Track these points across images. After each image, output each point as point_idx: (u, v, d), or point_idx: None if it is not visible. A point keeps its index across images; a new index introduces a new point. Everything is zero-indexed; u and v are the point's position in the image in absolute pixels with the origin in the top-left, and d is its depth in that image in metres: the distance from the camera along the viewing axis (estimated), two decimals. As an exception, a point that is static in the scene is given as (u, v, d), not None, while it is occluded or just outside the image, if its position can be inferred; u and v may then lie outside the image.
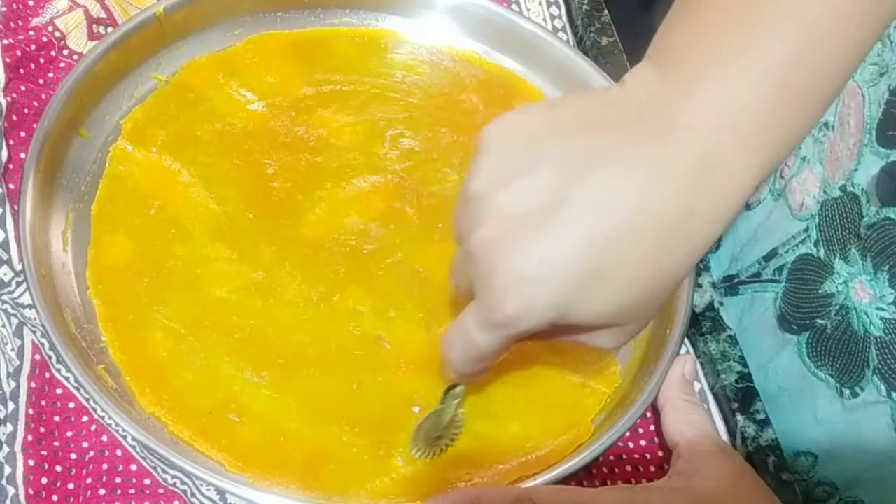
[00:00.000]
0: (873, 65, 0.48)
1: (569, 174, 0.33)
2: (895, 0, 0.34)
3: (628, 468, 0.50)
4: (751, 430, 0.51)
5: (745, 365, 0.53)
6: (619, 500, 0.42)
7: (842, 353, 0.49)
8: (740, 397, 0.51)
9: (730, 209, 0.34)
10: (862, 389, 0.47)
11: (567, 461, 0.46)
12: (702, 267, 0.56)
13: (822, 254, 0.50)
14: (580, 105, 0.36)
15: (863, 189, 0.47)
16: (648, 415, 0.51)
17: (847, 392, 0.48)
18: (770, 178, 0.37)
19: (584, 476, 0.49)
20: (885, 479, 0.48)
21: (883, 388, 0.46)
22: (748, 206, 0.58)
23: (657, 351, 0.50)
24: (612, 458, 0.50)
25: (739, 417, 0.51)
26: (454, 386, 0.45)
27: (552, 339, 0.39)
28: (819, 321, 0.50)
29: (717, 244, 0.60)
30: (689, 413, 0.48)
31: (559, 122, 0.35)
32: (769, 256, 0.55)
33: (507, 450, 0.48)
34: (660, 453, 0.51)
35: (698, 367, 0.53)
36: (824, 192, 0.50)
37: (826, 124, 0.51)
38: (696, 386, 0.52)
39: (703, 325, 0.54)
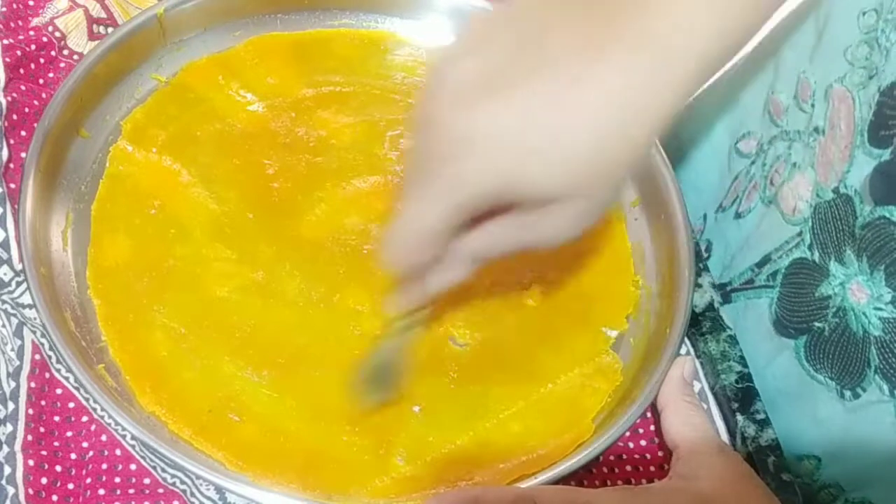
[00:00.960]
0: (862, 68, 0.48)
1: (523, 44, 0.34)
2: None
3: (628, 468, 0.50)
4: (751, 430, 0.51)
5: (745, 365, 0.53)
6: (619, 501, 0.42)
7: (841, 354, 0.49)
8: (740, 397, 0.51)
9: (684, 85, 0.35)
10: (864, 390, 0.47)
11: (567, 460, 0.46)
12: (702, 267, 0.56)
13: (816, 257, 0.50)
14: None
15: (856, 190, 0.47)
16: (648, 415, 0.51)
17: (848, 393, 0.48)
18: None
19: (585, 475, 0.49)
20: (891, 477, 0.48)
21: (886, 387, 0.46)
22: (738, 215, 0.59)
23: (657, 350, 0.50)
24: (612, 458, 0.50)
25: (739, 417, 0.51)
26: (395, 322, 0.44)
27: (505, 246, 0.39)
28: (816, 324, 0.50)
29: (708, 253, 0.60)
30: (689, 414, 0.48)
31: (519, 7, 0.36)
32: (762, 263, 0.55)
33: (508, 449, 0.48)
34: (660, 453, 0.51)
35: (698, 366, 0.53)
36: (817, 195, 0.50)
37: (816, 129, 0.51)
38: (696, 386, 0.52)
39: (703, 325, 0.54)
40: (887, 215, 0.45)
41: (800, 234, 0.52)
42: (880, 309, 0.46)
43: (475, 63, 0.34)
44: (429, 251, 0.38)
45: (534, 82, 0.34)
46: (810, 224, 0.51)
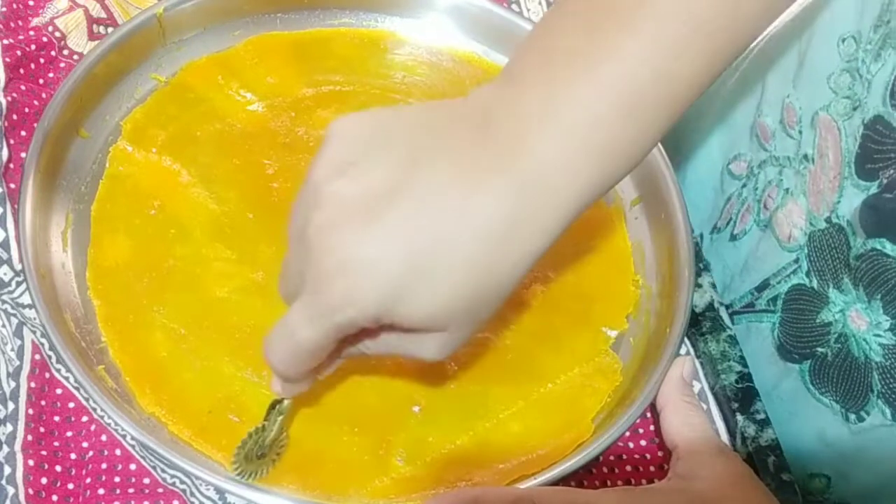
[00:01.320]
0: (846, 98, 0.48)
1: (404, 168, 0.34)
2: (743, 27, 0.37)
3: (628, 468, 0.50)
4: (751, 430, 0.51)
5: (744, 365, 0.53)
6: (618, 501, 0.42)
7: (844, 379, 0.49)
8: (740, 397, 0.51)
9: (557, 223, 0.35)
10: (868, 414, 0.47)
11: (567, 460, 0.46)
12: (702, 267, 0.56)
13: (815, 284, 0.50)
14: (428, 109, 0.37)
15: (847, 221, 0.47)
16: (648, 415, 0.51)
17: (853, 417, 0.48)
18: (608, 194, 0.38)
19: (585, 476, 0.49)
20: None
21: (888, 412, 0.46)
22: (734, 237, 0.59)
23: (657, 350, 0.50)
24: (612, 458, 0.50)
25: (739, 417, 0.51)
26: (280, 401, 0.44)
27: (378, 350, 0.39)
28: (819, 349, 0.50)
29: (707, 272, 0.60)
30: (689, 415, 0.48)
31: (403, 121, 0.36)
32: (761, 287, 0.55)
33: (508, 449, 0.48)
34: (660, 453, 0.51)
35: (698, 366, 0.53)
36: (810, 223, 0.50)
37: (805, 157, 0.51)
38: (696, 386, 0.52)
39: (703, 325, 0.54)
40: (879, 247, 0.45)
41: (797, 260, 0.52)
42: (879, 336, 0.46)
43: (356, 183, 0.34)
44: (310, 363, 0.39)
45: (415, 214, 0.34)
46: (806, 251, 0.51)
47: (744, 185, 0.59)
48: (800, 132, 0.52)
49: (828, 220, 0.49)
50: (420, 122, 0.36)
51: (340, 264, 0.34)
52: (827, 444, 0.50)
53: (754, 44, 0.61)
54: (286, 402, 0.44)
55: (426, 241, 0.33)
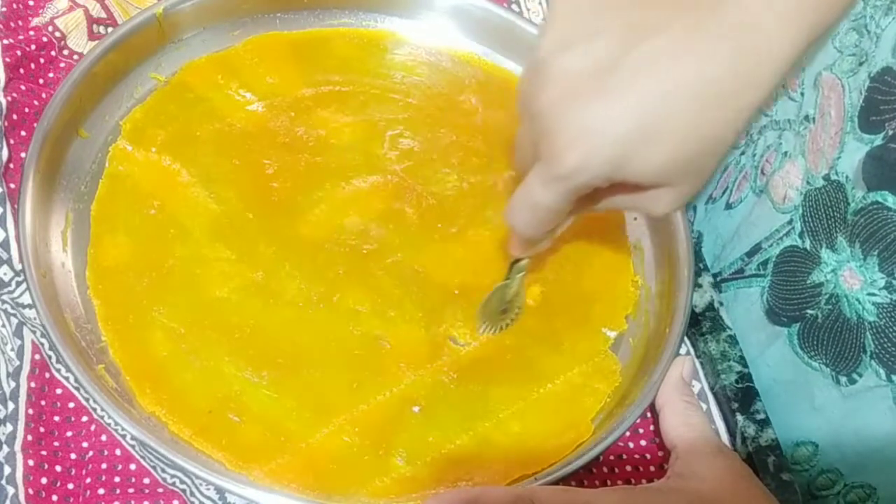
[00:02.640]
0: (852, 55, 0.48)
1: (626, 40, 0.36)
2: None
3: (628, 468, 0.50)
4: (751, 430, 0.51)
5: (745, 365, 0.53)
6: (617, 501, 0.42)
7: (835, 341, 0.49)
8: (740, 397, 0.52)
9: (773, 75, 0.36)
10: (860, 375, 0.47)
11: (567, 460, 0.46)
12: (701, 267, 0.56)
13: (807, 244, 0.50)
14: None
15: (847, 176, 0.48)
16: (648, 415, 0.51)
17: (844, 379, 0.48)
18: (809, 51, 0.39)
19: (585, 476, 0.49)
20: (891, 461, 0.48)
21: (882, 372, 0.46)
22: (729, 206, 0.59)
23: (657, 350, 0.50)
24: (612, 458, 0.50)
25: (739, 417, 0.51)
26: (518, 261, 0.48)
27: (611, 207, 0.42)
28: (809, 311, 0.50)
29: (699, 245, 0.61)
30: (688, 414, 0.48)
31: None
32: (752, 252, 0.55)
33: (508, 449, 0.48)
34: (660, 453, 0.51)
35: (698, 366, 0.53)
36: (807, 183, 0.51)
37: (807, 117, 0.52)
38: (696, 386, 0.52)
39: (703, 325, 0.54)
40: (881, 200, 0.45)
41: (790, 222, 0.52)
42: (874, 294, 0.46)
43: (582, 56, 0.36)
44: (549, 224, 0.42)
45: (638, 82, 0.35)
46: (801, 212, 0.51)
47: (742, 153, 0.59)
48: (801, 94, 0.52)
49: (825, 178, 0.49)
50: None
51: (573, 133, 0.36)
52: (816, 409, 0.50)
53: None
54: (525, 261, 0.48)
55: (650, 106, 0.35)
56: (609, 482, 0.49)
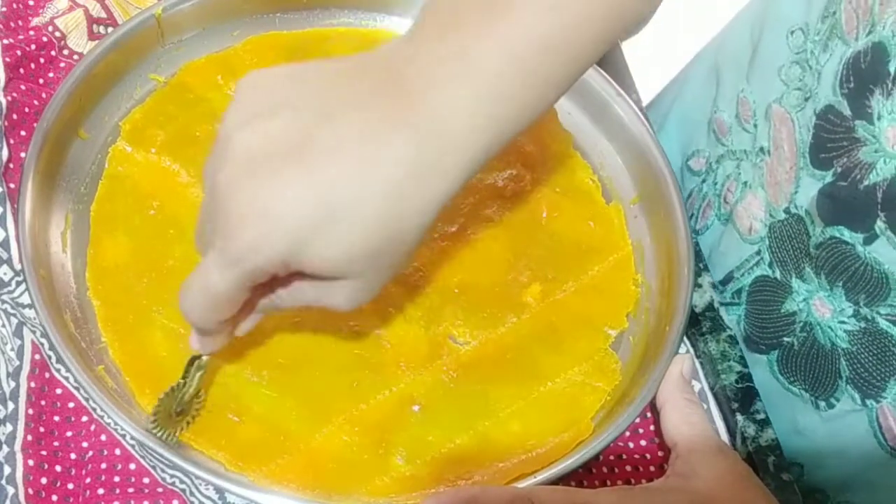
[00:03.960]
0: (797, 90, 0.49)
1: (309, 120, 0.35)
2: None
3: (628, 468, 0.50)
4: (751, 430, 0.51)
5: (744, 365, 0.53)
6: (617, 501, 0.42)
7: (812, 367, 0.49)
8: (740, 397, 0.51)
9: (458, 169, 0.36)
10: (837, 400, 0.48)
11: (567, 459, 0.46)
12: (702, 267, 0.56)
13: (777, 274, 0.51)
14: (335, 63, 0.38)
15: (806, 210, 0.48)
16: (648, 415, 0.51)
17: (822, 404, 0.49)
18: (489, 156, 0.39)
19: (584, 475, 0.49)
20: (872, 482, 0.48)
21: (857, 396, 0.47)
22: (696, 232, 0.59)
23: (656, 349, 0.50)
24: (611, 457, 0.50)
25: (739, 417, 0.51)
26: (199, 357, 0.44)
27: (296, 301, 0.40)
28: (786, 339, 0.50)
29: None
30: (688, 413, 0.48)
31: (310, 74, 0.37)
32: (725, 280, 0.55)
33: (507, 448, 0.48)
34: (660, 453, 0.51)
35: (698, 366, 0.53)
36: (770, 215, 0.51)
37: (762, 149, 0.52)
38: (696, 386, 0.52)
39: (703, 324, 0.54)
40: (837, 235, 0.45)
41: (759, 252, 0.52)
42: (844, 322, 0.47)
43: (262, 134, 0.35)
44: (223, 312, 0.39)
45: (319, 165, 0.34)
46: (767, 243, 0.51)
47: (703, 181, 0.59)
48: (755, 125, 0.52)
49: (787, 211, 0.49)
50: (327, 76, 0.37)
51: (246, 215, 0.35)
52: (799, 433, 0.50)
53: (709, 41, 0.62)
54: (205, 359, 0.44)
55: (330, 192, 0.34)
56: (609, 482, 0.49)
